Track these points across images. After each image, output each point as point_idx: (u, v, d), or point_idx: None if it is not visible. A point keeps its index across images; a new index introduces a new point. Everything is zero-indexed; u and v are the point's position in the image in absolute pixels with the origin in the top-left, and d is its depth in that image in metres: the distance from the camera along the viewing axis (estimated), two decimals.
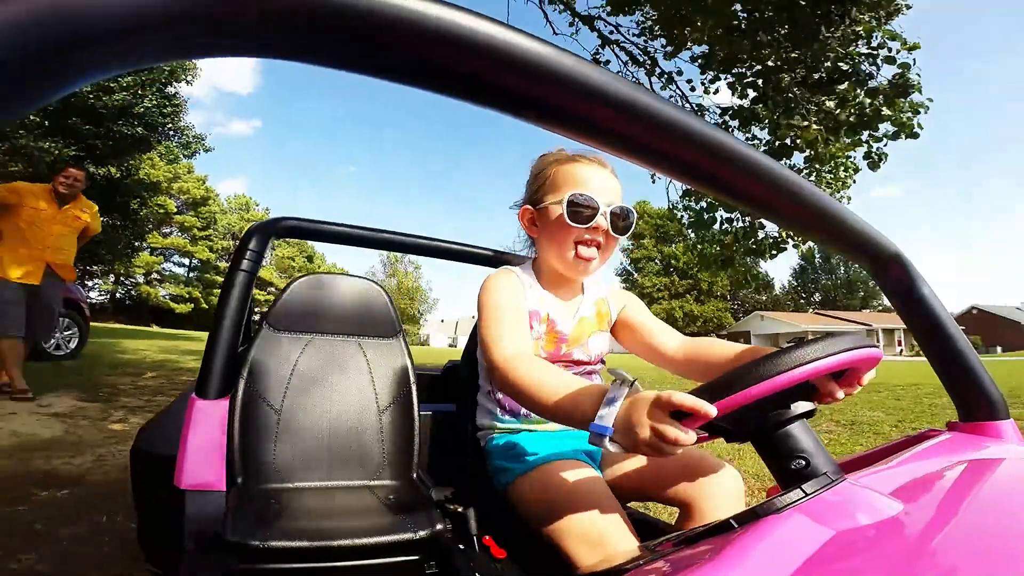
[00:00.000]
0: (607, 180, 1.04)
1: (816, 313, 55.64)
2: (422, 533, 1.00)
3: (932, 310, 0.76)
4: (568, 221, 0.99)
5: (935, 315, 0.76)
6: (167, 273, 43.58)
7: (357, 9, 0.25)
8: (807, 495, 0.50)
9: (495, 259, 1.65)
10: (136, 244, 18.01)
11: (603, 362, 1.18)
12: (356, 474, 1.31)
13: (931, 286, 0.77)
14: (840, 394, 0.66)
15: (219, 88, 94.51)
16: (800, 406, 0.57)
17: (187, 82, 13.94)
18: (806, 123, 4.15)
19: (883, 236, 0.71)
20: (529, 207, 1.09)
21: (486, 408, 1.17)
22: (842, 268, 70.60)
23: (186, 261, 44.45)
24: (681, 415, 0.56)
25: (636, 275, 59.98)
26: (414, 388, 1.42)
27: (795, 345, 0.55)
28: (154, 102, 12.81)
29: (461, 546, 1.08)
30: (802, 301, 72.10)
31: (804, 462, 0.54)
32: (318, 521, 1.05)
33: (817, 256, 74.27)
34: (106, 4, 0.20)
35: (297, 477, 1.25)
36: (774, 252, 5.68)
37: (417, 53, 0.28)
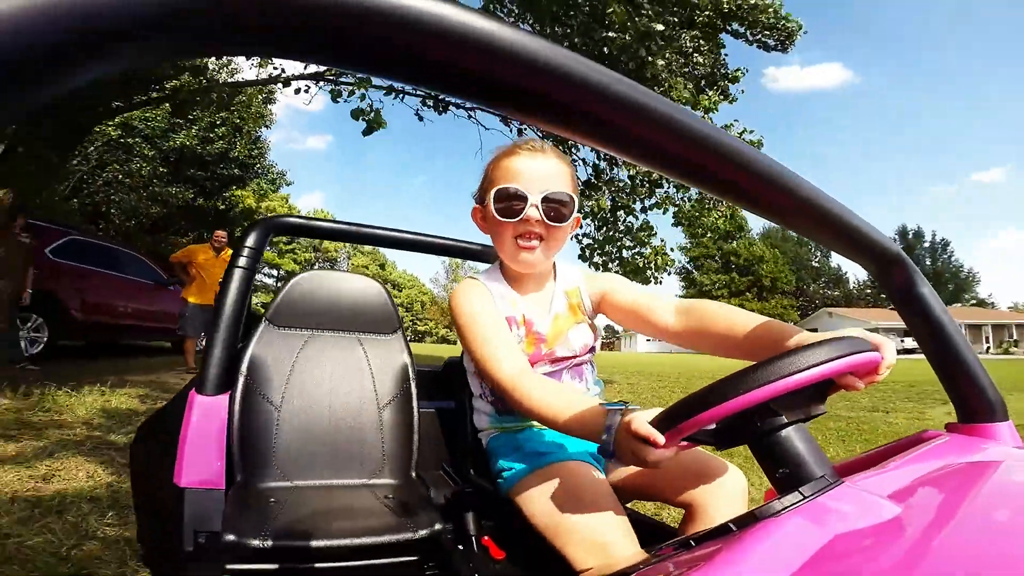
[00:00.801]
0: (542, 167, 0.99)
1: (893, 309, 52.41)
2: (421, 533, 1.02)
3: (932, 311, 0.75)
4: (498, 217, 0.98)
5: (935, 316, 0.75)
6: (258, 283, 49.03)
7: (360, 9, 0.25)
8: (805, 498, 0.51)
9: (487, 254, 1.64)
10: None
11: (593, 350, 1.14)
12: (355, 473, 1.31)
13: (931, 287, 0.76)
14: (860, 385, 0.65)
15: (293, 107, 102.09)
16: (792, 414, 0.57)
17: (266, 126, 16.96)
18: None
19: (885, 237, 0.70)
20: (478, 206, 1.07)
21: (482, 411, 1.15)
22: (928, 259, 65.67)
23: (275, 272, 49.84)
24: (663, 428, 0.60)
25: (695, 273, 59.34)
26: (414, 385, 1.42)
27: (758, 365, 0.55)
28: (245, 147, 15.82)
29: (460, 547, 1.09)
30: (882, 296, 67.80)
31: (798, 468, 0.55)
32: (317, 521, 1.05)
33: (900, 246, 69.39)
34: (100, 3, 0.20)
35: (296, 475, 1.26)
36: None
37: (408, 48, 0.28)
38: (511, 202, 0.97)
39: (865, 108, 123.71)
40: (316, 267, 52.31)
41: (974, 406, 0.78)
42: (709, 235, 7.36)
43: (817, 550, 0.42)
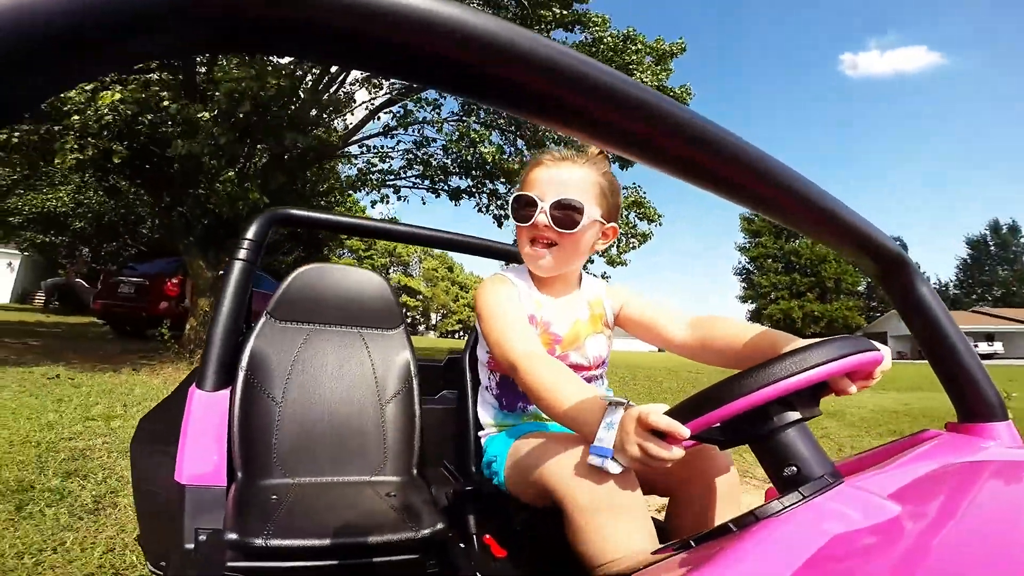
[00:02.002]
0: (558, 175, 1.02)
1: (975, 312, 49.67)
2: (423, 532, 1.01)
3: (932, 311, 0.76)
4: (515, 221, 1.04)
5: (935, 317, 0.76)
6: None
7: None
8: (805, 498, 0.51)
9: (496, 249, 1.69)
10: None
11: (604, 364, 1.14)
12: (357, 469, 1.32)
13: (931, 287, 0.77)
14: (853, 389, 0.66)
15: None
16: (795, 413, 0.57)
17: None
18: None
19: (887, 238, 0.70)
20: None
21: (487, 403, 1.16)
22: None
23: None
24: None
25: (755, 274, 58.88)
26: (415, 381, 1.41)
27: (773, 360, 0.55)
28: (330, 182, 20.31)
29: (462, 545, 1.11)
30: (974, 296, 63.29)
31: (799, 468, 0.55)
32: (319, 519, 1.05)
33: (991, 244, 64.57)
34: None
35: (298, 472, 1.26)
36: None
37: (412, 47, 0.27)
38: (524, 208, 1.01)
39: (958, 91, 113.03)
40: (390, 271, 57.69)
41: (973, 406, 0.77)
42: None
43: (817, 550, 0.42)
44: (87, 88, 4.81)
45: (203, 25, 0.24)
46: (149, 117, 5.25)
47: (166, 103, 5.24)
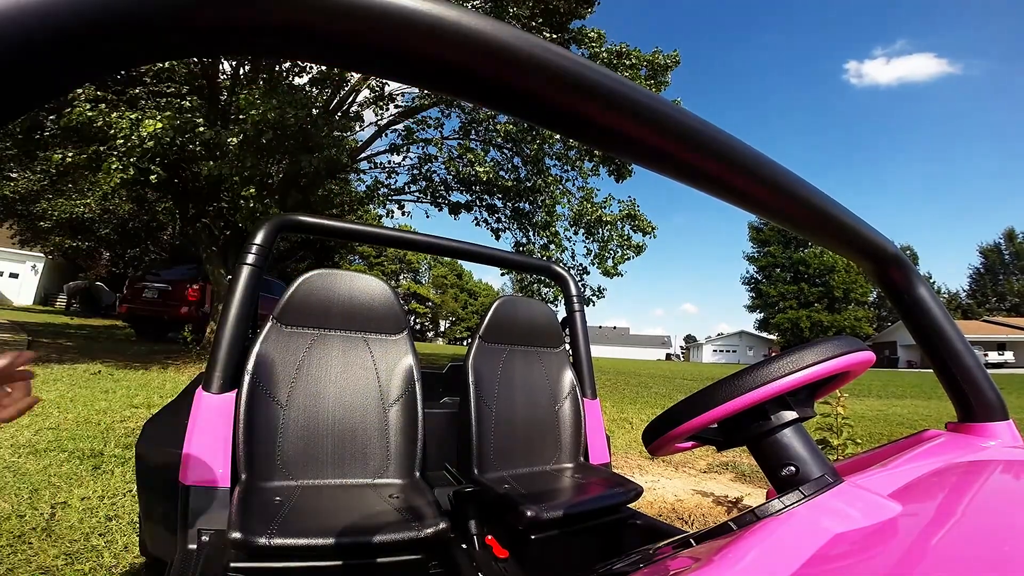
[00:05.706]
0: None
1: (986, 321, 49.22)
2: (426, 532, 1.02)
3: (931, 311, 0.76)
4: None
5: (933, 317, 0.76)
6: None
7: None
8: (805, 497, 0.51)
9: (504, 260, 1.73)
10: None
11: None
12: (360, 472, 1.33)
13: (930, 287, 0.77)
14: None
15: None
16: (791, 413, 0.57)
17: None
18: None
19: (883, 236, 0.69)
20: None
21: None
22: None
23: None
24: (663, 429, 0.59)
25: (763, 283, 58.79)
26: (418, 386, 1.43)
27: (768, 360, 0.55)
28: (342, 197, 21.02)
29: (464, 545, 1.13)
30: (987, 307, 62.59)
31: (797, 468, 0.55)
32: (322, 519, 1.06)
33: (1006, 253, 63.84)
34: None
35: (301, 474, 1.28)
36: None
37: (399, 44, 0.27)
38: None
39: (970, 98, 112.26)
40: (400, 277, 58.46)
41: (973, 405, 0.77)
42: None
43: (817, 549, 0.42)
44: (132, 116, 5.42)
45: (195, 27, 0.23)
46: (180, 139, 5.82)
47: (200, 129, 5.84)
